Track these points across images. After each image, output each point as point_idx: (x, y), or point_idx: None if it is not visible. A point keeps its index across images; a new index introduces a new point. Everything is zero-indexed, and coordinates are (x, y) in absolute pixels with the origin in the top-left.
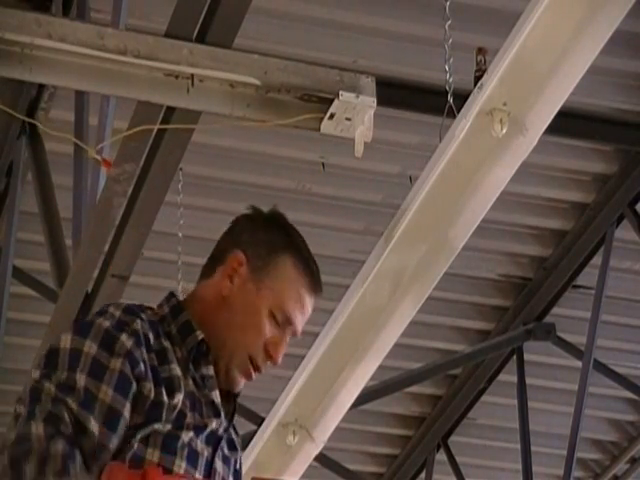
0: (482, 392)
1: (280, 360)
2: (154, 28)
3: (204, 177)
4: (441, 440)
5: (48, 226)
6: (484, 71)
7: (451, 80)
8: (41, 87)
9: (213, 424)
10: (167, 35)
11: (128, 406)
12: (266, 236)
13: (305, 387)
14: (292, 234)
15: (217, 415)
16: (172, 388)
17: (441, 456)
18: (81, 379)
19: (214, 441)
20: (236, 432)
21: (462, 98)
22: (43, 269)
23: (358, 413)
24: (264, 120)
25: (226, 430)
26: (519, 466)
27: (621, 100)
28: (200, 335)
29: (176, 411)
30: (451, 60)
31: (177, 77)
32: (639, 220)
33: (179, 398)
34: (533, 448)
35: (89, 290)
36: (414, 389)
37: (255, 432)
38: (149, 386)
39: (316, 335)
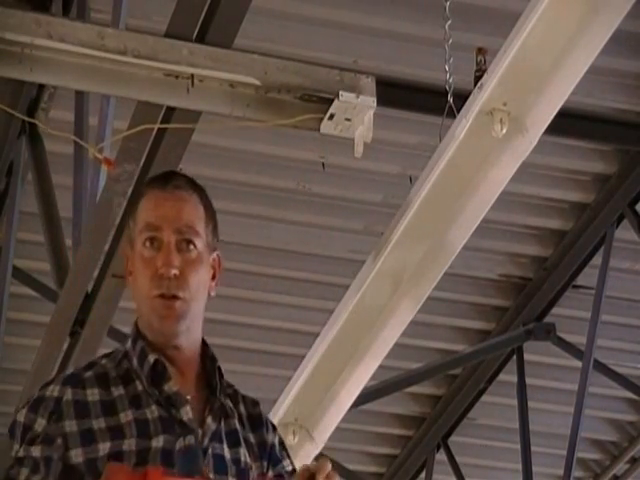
0: (482, 392)
1: (169, 265)
2: (154, 28)
3: (204, 177)
4: (441, 440)
5: (48, 226)
6: (484, 71)
7: (451, 80)
8: (41, 87)
9: (184, 441)
10: (167, 35)
11: None
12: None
13: (305, 387)
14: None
15: (189, 431)
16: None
17: (441, 456)
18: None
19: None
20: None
21: (462, 98)
22: (43, 269)
23: (358, 413)
24: (264, 120)
25: (216, 433)
26: (519, 466)
27: (621, 100)
28: (152, 358)
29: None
30: (451, 60)
31: (177, 77)
32: (639, 220)
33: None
34: (533, 448)
35: (89, 290)
36: (414, 389)
37: None
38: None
39: (316, 335)
